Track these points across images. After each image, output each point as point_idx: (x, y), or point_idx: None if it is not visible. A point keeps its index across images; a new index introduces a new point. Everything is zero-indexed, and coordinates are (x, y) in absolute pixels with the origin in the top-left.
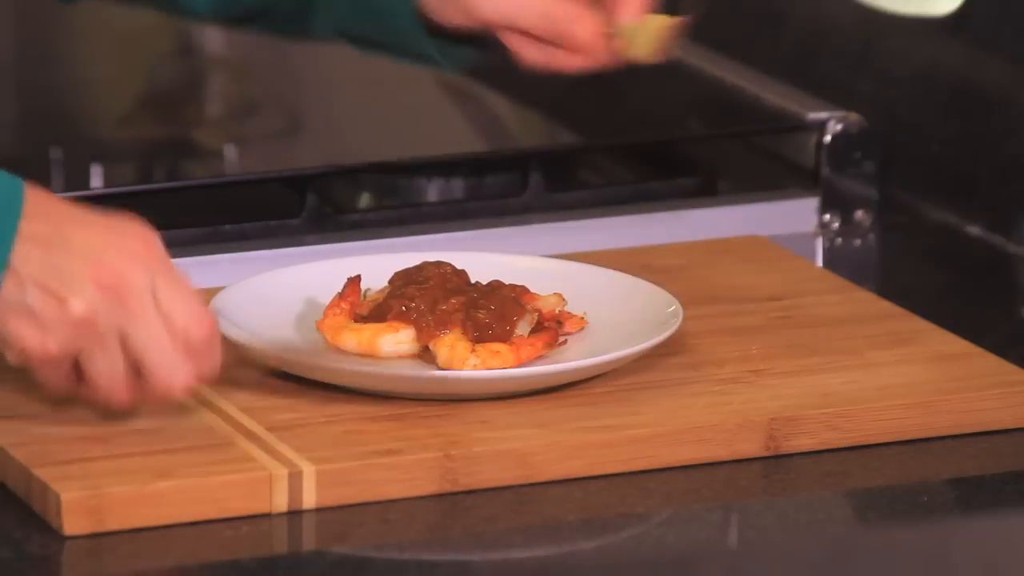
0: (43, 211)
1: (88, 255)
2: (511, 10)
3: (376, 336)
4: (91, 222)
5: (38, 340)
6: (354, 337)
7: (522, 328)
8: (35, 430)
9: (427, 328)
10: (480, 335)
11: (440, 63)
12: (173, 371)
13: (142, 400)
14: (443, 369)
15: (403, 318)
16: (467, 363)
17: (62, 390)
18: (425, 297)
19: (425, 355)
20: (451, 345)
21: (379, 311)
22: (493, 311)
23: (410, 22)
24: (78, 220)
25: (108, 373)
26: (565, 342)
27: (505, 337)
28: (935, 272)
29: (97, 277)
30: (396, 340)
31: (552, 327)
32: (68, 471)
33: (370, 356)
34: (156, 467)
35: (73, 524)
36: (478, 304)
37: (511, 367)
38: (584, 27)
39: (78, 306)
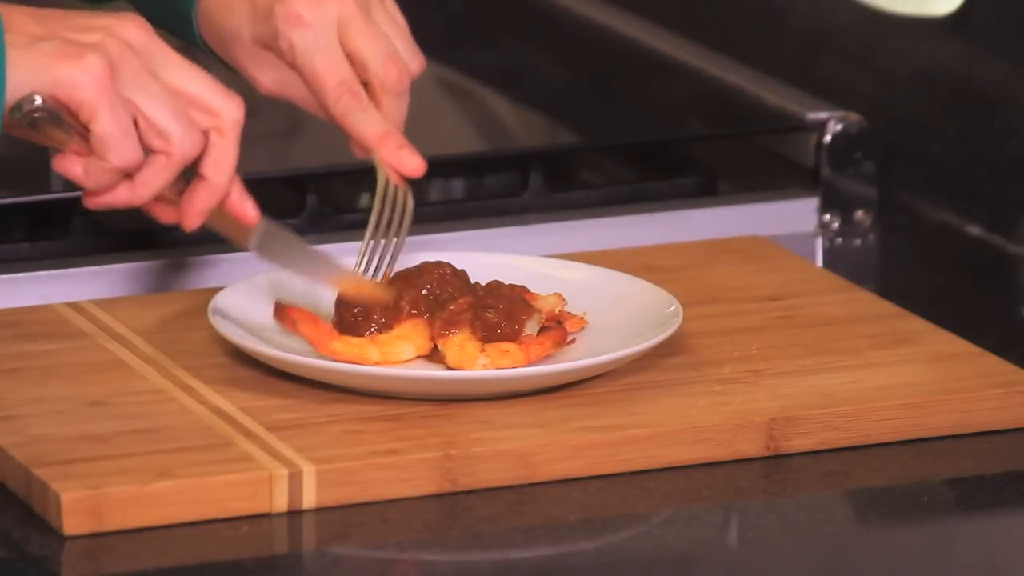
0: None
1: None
2: (285, 90)
3: (387, 346)
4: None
5: (80, 63)
6: (368, 351)
7: (530, 327)
8: (35, 430)
9: (435, 329)
10: (489, 335)
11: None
12: (188, 129)
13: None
14: (452, 369)
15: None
16: (477, 363)
17: (126, 152)
18: (426, 300)
19: (429, 355)
20: (460, 345)
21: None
22: (502, 310)
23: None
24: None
25: (120, 128)
26: (573, 341)
27: (514, 337)
28: (935, 272)
29: (109, 30)
30: (405, 350)
31: (559, 326)
32: (68, 471)
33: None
34: (156, 467)
35: (73, 524)
36: (485, 304)
37: (521, 366)
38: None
39: (113, 43)
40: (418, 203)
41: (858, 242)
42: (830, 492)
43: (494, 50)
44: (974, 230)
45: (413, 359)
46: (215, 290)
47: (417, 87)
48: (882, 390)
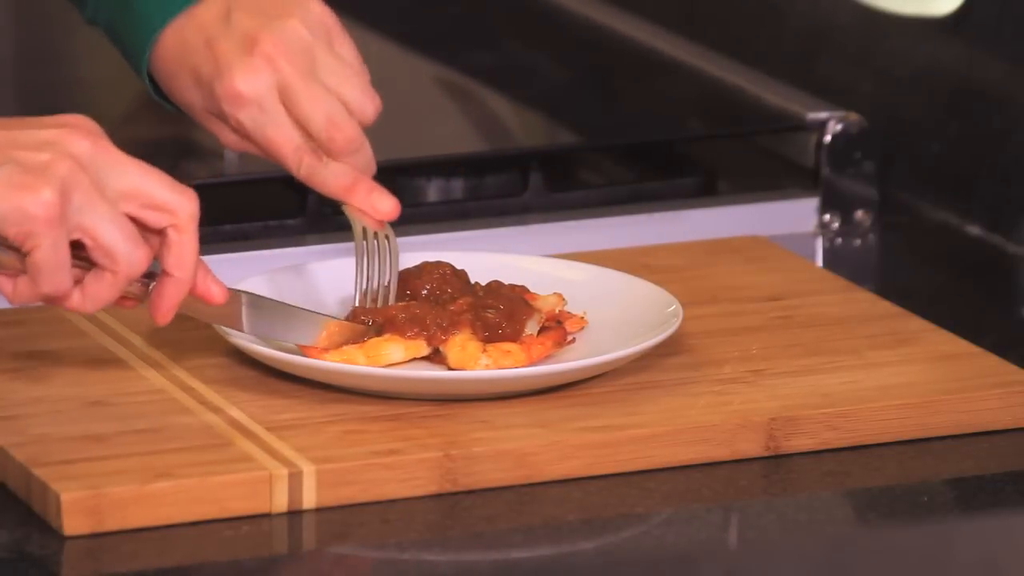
0: None
1: (46, 136)
2: (249, 147)
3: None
4: (28, 120)
5: (34, 197)
6: (355, 357)
7: (531, 327)
8: (35, 430)
9: (436, 333)
10: (490, 335)
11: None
12: (136, 247)
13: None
14: (454, 369)
15: (408, 328)
16: (479, 363)
17: (58, 281)
18: (426, 304)
19: (430, 355)
20: (462, 345)
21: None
22: (502, 311)
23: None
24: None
25: (58, 260)
26: (573, 340)
27: (515, 336)
28: (935, 272)
29: (58, 146)
30: (393, 353)
31: (560, 326)
32: (68, 471)
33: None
34: (156, 467)
35: (73, 524)
36: (485, 304)
37: (523, 366)
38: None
39: (63, 163)
40: (418, 203)
41: (858, 242)
42: (830, 492)
43: (494, 50)
44: (974, 230)
45: (410, 360)
46: None
47: (417, 87)
48: (882, 390)
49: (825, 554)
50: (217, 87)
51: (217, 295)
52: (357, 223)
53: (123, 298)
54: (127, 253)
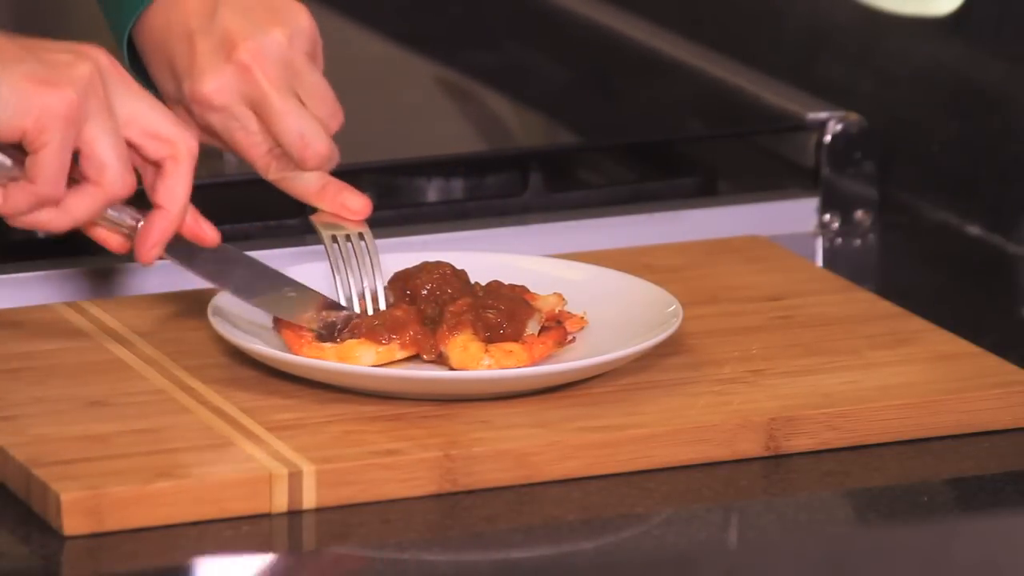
0: None
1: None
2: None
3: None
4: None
5: (59, 94)
6: (329, 357)
7: (531, 327)
8: (35, 430)
9: (439, 336)
10: (492, 335)
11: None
12: (126, 168)
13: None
14: (455, 370)
15: (383, 334)
16: (481, 363)
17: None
18: (426, 307)
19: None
20: (464, 346)
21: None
22: (503, 311)
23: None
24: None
25: (63, 160)
26: (573, 340)
27: (516, 337)
28: (935, 272)
29: (83, 53)
30: (364, 356)
31: (560, 326)
32: (68, 471)
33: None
34: (156, 467)
35: (73, 524)
36: (486, 304)
37: (525, 366)
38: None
39: (85, 65)
40: (418, 203)
41: (858, 242)
42: (830, 492)
43: (494, 50)
44: (974, 230)
45: (411, 360)
46: (215, 290)
47: (417, 87)
48: (882, 390)
49: (825, 554)
50: (187, 86)
51: (209, 236)
52: (325, 231)
53: (111, 233)
54: (116, 171)
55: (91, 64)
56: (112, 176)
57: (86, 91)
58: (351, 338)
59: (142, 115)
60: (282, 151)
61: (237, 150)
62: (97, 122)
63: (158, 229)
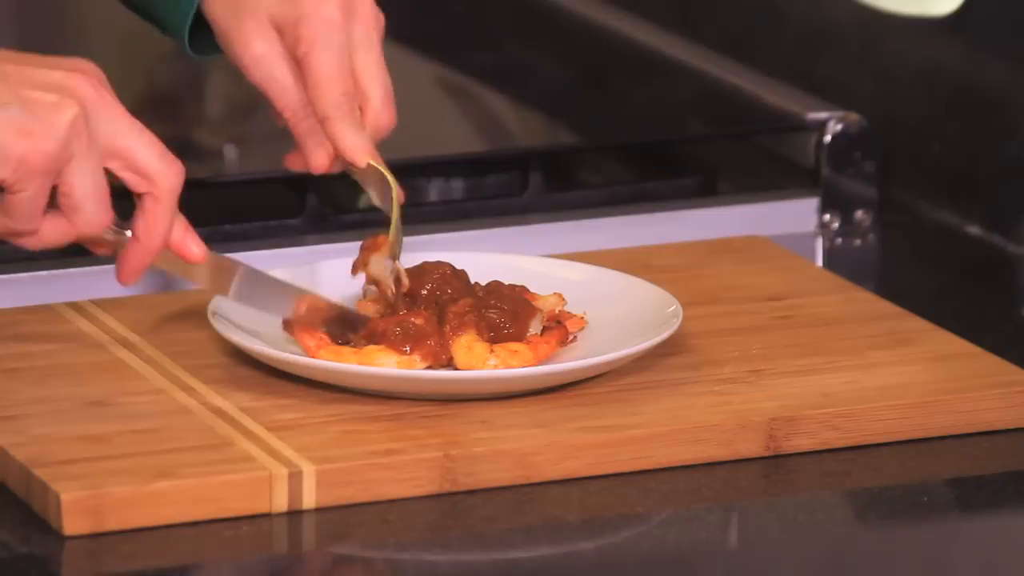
0: None
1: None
2: (261, 71)
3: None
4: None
5: (37, 147)
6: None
7: (534, 327)
8: (35, 430)
9: (442, 342)
10: (495, 335)
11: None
12: (101, 209)
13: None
14: (459, 369)
15: (405, 341)
16: (487, 363)
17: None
18: (427, 316)
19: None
20: (468, 346)
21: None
22: (506, 310)
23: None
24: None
25: (38, 203)
26: (575, 339)
27: (520, 336)
28: (935, 272)
29: (67, 90)
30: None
31: (562, 325)
32: (68, 471)
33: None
34: (156, 467)
35: (73, 524)
36: (488, 304)
37: (530, 366)
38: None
39: (69, 111)
40: (418, 203)
41: (858, 242)
42: (830, 492)
43: (494, 50)
44: (974, 230)
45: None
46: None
47: (417, 87)
48: (882, 390)
49: (825, 554)
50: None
51: (195, 254)
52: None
53: (96, 244)
54: (90, 213)
55: (76, 104)
56: (85, 218)
57: (68, 137)
58: (370, 343)
59: (126, 149)
60: (356, 100)
61: (319, 75)
62: (78, 163)
63: (135, 259)
